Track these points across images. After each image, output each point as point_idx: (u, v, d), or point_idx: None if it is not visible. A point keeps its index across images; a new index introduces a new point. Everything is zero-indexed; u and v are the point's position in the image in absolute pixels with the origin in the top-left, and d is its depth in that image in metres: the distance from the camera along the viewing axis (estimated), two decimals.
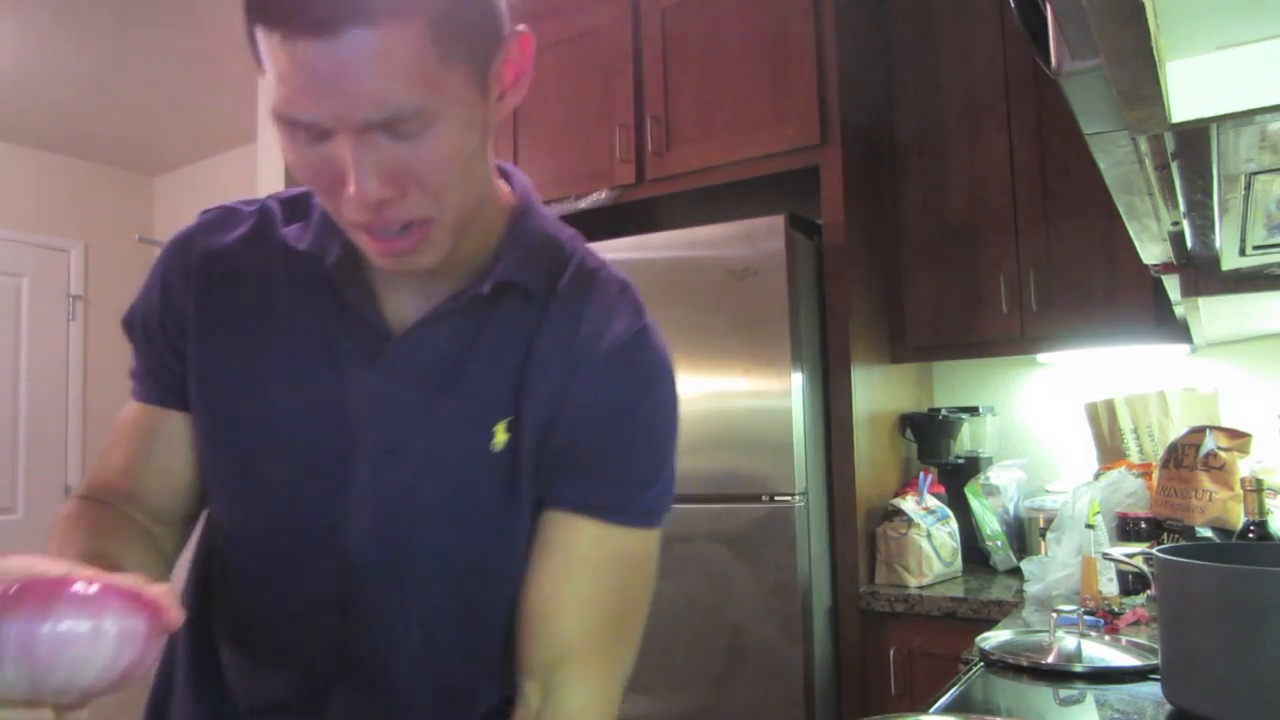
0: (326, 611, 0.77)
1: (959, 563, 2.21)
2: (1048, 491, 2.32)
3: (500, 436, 0.75)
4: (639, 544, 0.78)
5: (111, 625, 0.51)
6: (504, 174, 0.82)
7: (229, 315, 0.77)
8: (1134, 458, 2.12)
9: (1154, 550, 1.21)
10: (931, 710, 1.09)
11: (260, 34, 0.60)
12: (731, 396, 2.08)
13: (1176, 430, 2.01)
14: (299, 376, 0.76)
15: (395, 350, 0.74)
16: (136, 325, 0.81)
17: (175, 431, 0.80)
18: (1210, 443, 1.83)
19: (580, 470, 0.76)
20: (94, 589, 0.51)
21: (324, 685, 0.79)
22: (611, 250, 2.26)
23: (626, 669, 0.78)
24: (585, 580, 0.75)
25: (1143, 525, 1.88)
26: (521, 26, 0.69)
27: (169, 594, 0.56)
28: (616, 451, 0.76)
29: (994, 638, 1.35)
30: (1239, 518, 1.70)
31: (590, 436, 0.76)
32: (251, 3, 0.61)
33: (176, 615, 0.55)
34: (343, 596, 0.77)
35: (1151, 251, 1.19)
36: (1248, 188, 0.79)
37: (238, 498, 0.79)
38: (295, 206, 0.80)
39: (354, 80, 0.58)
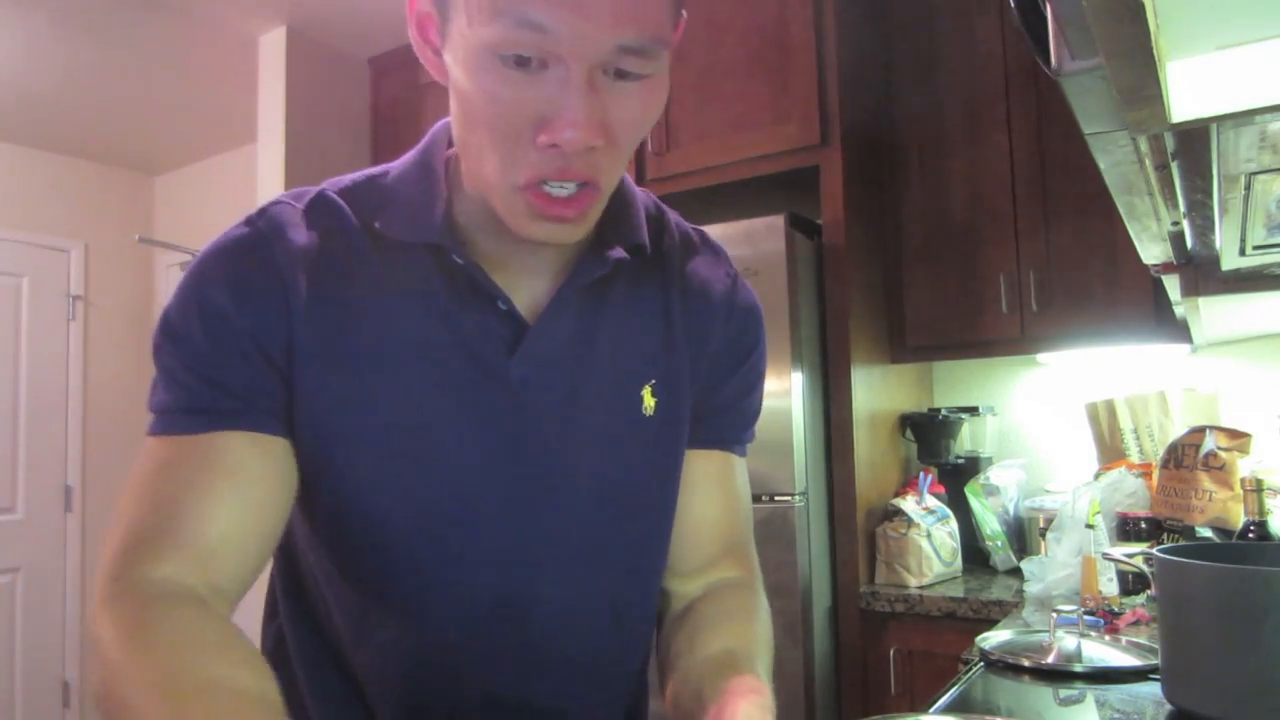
0: (502, 604, 0.74)
1: (959, 563, 2.21)
2: (1048, 491, 2.32)
3: (648, 401, 0.77)
4: (745, 469, 0.89)
5: None
6: None
7: (341, 324, 0.68)
8: (1134, 458, 2.12)
9: (1154, 550, 1.20)
10: (931, 710, 1.09)
11: None
12: None
13: (1176, 430, 2.01)
14: (438, 379, 0.70)
15: (534, 337, 0.72)
16: (189, 331, 0.66)
17: (254, 461, 0.66)
18: (1210, 443, 1.83)
19: (718, 413, 0.84)
20: None
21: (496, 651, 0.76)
22: None
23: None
24: (728, 501, 0.85)
25: (1143, 525, 1.88)
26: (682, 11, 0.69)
27: None
28: (744, 392, 0.86)
29: (994, 638, 1.35)
30: (1239, 518, 1.70)
31: (728, 383, 0.84)
32: None
33: None
34: (516, 598, 0.74)
35: (1151, 251, 1.19)
36: (1248, 188, 0.79)
37: (379, 510, 0.70)
38: (359, 197, 0.72)
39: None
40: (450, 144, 0.75)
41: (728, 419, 0.85)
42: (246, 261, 0.67)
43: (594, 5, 0.57)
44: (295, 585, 0.81)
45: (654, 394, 0.77)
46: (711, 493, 0.84)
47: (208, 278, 0.67)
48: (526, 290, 0.73)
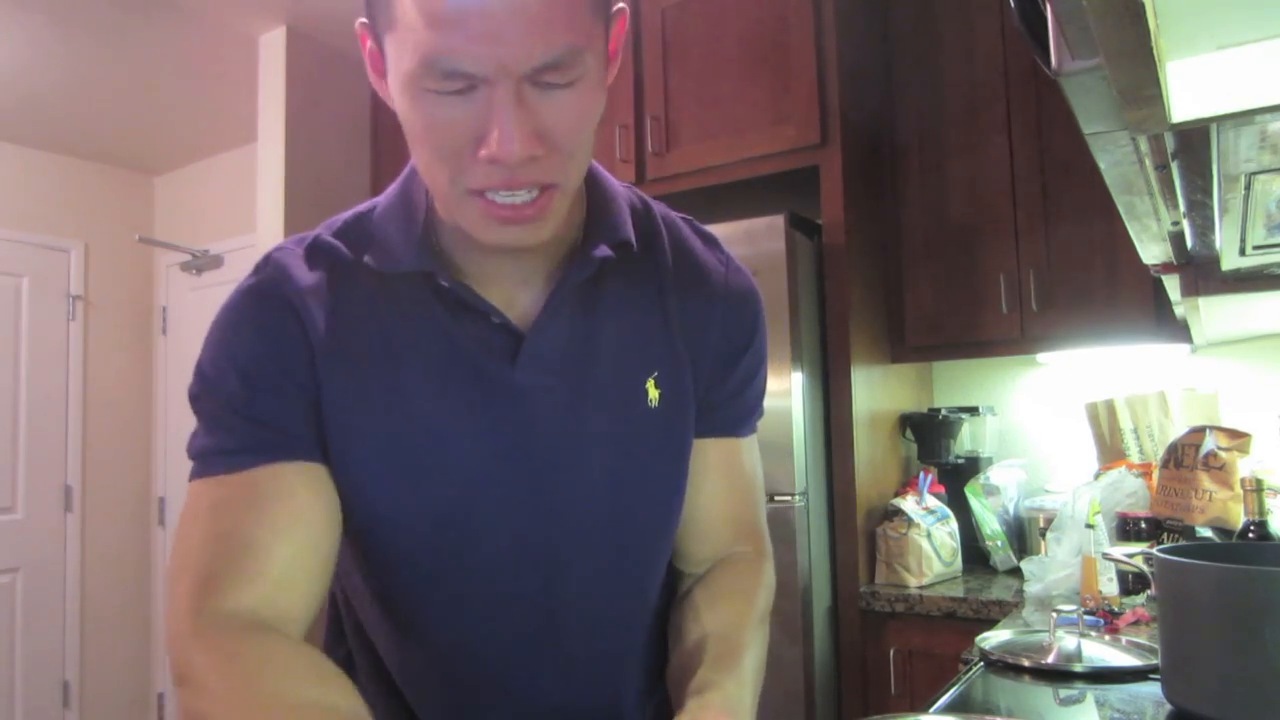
0: (530, 608, 0.77)
1: (959, 563, 2.21)
2: (1048, 491, 2.32)
3: (653, 393, 0.78)
4: (755, 446, 0.90)
5: None
6: None
7: (353, 348, 0.72)
8: (1134, 458, 2.12)
9: (1154, 550, 1.21)
10: (931, 710, 1.09)
11: None
12: None
13: (1176, 430, 2.01)
14: (446, 396, 0.73)
15: (532, 344, 0.73)
16: (226, 381, 0.71)
17: (305, 489, 0.70)
18: (1210, 443, 1.83)
19: (726, 403, 0.84)
20: None
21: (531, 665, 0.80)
22: None
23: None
24: (737, 485, 0.87)
25: (1143, 525, 1.88)
26: (622, 4, 0.69)
27: None
28: (749, 378, 0.86)
29: (994, 638, 1.35)
30: (1239, 518, 1.70)
31: (733, 371, 0.84)
32: None
33: None
34: (544, 600, 0.77)
35: (1151, 251, 1.19)
36: (1248, 188, 0.79)
37: (403, 526, 0.74)
38: (351, 236, 0.76)
39: (524, 19, 0.58)
40: None
41: (735, 407, 0.86)
42: (263, 304, 0.72)
43: (504, 34, 0.58)
44: (354, 616, 0.84)
45: (657, 385, 0.78)
46: (720, 483, 0.86)
47: (232, 326, 0.73)
48: (520, 300, 0.75)
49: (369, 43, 0.68)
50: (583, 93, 0.64)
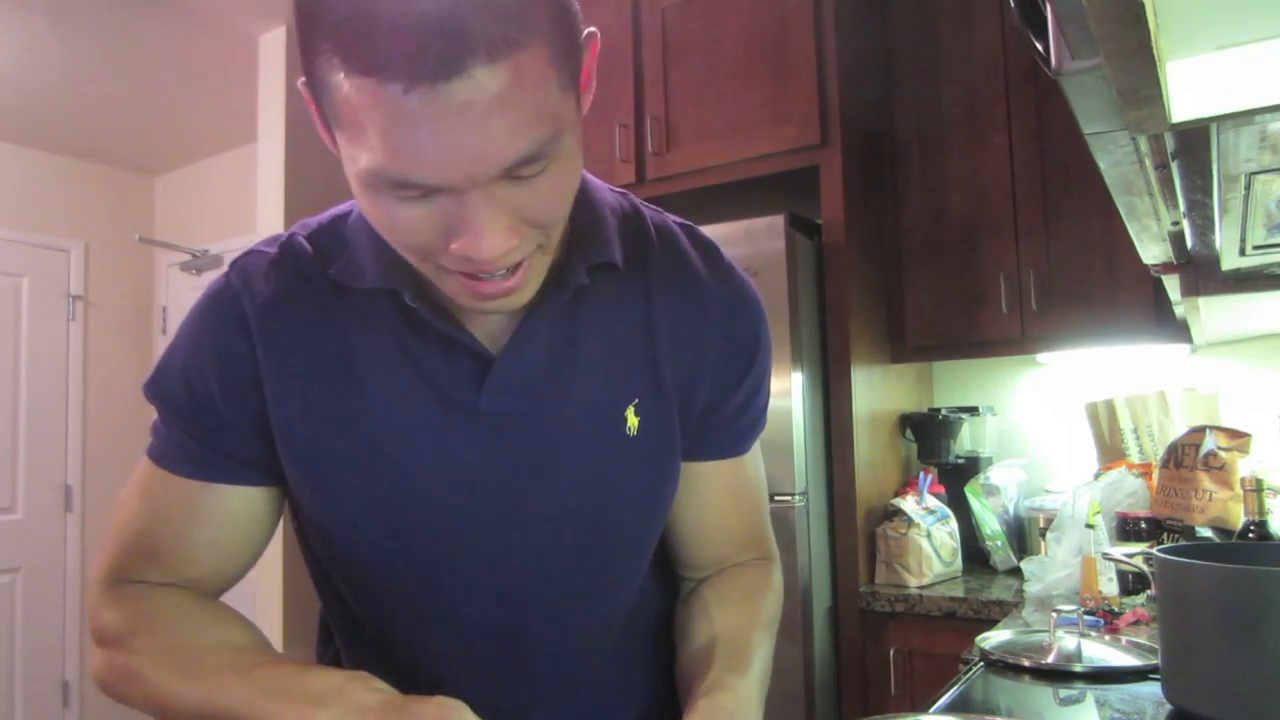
0: (494, 633, 0.75)
1: (959, 563, 2.21)
2: (1048, 491, 2.32)
3: (631, 421, 0.74)
4: (757, 451, 0.87)
5: None
6: None
7: (308, 369, 0.70)
8: (1134, 458, 2.12)
9: (1154, 550, 1.20)
10: (931, 710, 1.09)
11: (345, 83, 0.51)
12: None
13: (1176, 430, 2.01)
14: (408, 419, 0.69)
15: (501, 369, 0.70)
16: (175, 392, 0.71)
17: (239, 508, 0.73)
18: (1210, 443, 1.83)
19: (729, 422, 0.81)
20: None
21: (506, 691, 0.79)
22: None
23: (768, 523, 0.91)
24: (741, 499, 0.85)
25: (1143, 525, 1.88)
26: (592, 29, 0.62)
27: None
28: (753, 394, 0.82)
29: (994, 638, 1.35)
30: (1239, 518, 1.70)
31: (737, 390, 0.80)
32: (338, 47, 0.50)
33: None
34: (511, 626, 0.75)
35: (1151, 251, 1.19)
36: (1248, 188, 0.79)
37: (367, 552, 0.72)
38: (323, 241, 0.72)
39: (487, 128, 0.51)
40: None
41: (737, 426, 0.82)
42: (221, 320, 0.71)
43: (468, 144, 0.51)
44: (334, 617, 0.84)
45: (637, 413, 0.74)
46: (726, 500, 0.84)
47: (190, 337, 0.72)
48: (494, 321, 0.71)
49: (314, 106, 0.58)
50: (559, 171, 0.57)
